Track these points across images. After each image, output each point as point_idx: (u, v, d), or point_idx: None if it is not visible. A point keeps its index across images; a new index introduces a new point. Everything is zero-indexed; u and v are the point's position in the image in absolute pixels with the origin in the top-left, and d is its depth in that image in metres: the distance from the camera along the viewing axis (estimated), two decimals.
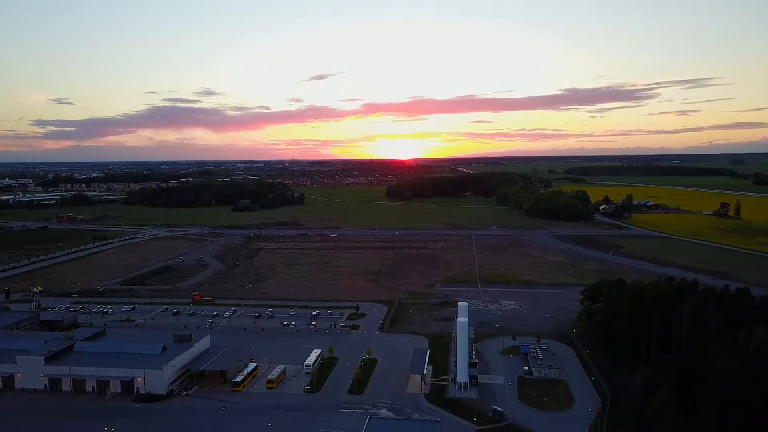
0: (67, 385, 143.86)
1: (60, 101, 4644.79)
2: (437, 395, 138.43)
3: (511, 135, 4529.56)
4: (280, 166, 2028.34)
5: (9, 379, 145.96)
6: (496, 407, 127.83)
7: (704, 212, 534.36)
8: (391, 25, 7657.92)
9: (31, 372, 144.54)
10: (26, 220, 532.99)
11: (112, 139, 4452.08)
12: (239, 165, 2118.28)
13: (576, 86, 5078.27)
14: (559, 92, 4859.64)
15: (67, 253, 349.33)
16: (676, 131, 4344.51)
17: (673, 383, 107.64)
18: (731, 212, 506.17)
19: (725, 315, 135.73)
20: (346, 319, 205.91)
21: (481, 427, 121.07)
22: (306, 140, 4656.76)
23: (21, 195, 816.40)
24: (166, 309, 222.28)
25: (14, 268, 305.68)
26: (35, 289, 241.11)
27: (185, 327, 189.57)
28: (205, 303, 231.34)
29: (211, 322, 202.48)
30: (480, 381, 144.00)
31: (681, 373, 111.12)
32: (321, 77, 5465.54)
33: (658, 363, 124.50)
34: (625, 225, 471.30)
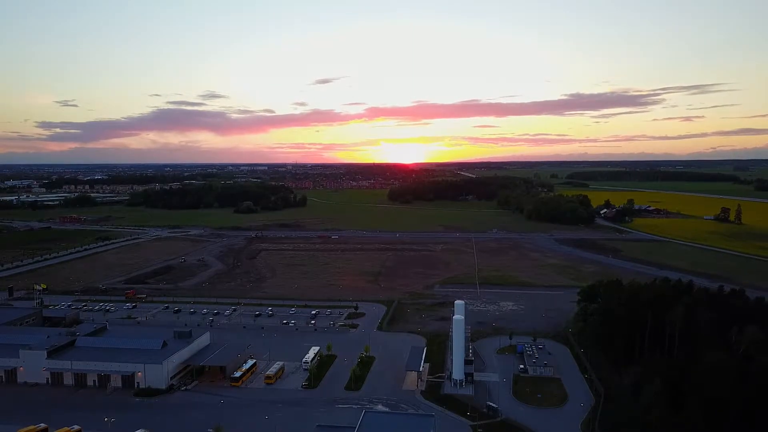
0: (68, 379, 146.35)
1: (65, 103, 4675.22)
2: (433, 392, 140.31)
3: (515, 140, 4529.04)
4: (283, 169, 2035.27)
5: (11, 373, 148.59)
6: (491, 403, 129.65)
7: (705, 217, 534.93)
8: (395, 30, 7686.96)
9: (33, 366, 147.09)
10: (30, 221, 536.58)
11: (116, 141, 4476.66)
12: (242, 168, 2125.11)
13: (580, 91, 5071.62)
14: (563, 97, 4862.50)
15: (70, 253, 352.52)
16: (680, 137, 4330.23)
17: (662, 380, 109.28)
18: (732, 217, 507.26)
19: (718, 315, 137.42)
20: (345, 318, 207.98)
21: (475, 423, 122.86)
22: (309, 144, 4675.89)
23: (25, 196, 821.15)
24: (167, 307, 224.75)
25: (18, 266, 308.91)
26: (38, 287, 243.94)
27: (185, 325, 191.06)
28: (138, 300, 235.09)
29: (212, 320, 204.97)
30: (475, 378, 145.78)
31: (670, 370, 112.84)
32: (325, 81, 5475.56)
33: (648, 361, 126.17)
34: (625, 229, 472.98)
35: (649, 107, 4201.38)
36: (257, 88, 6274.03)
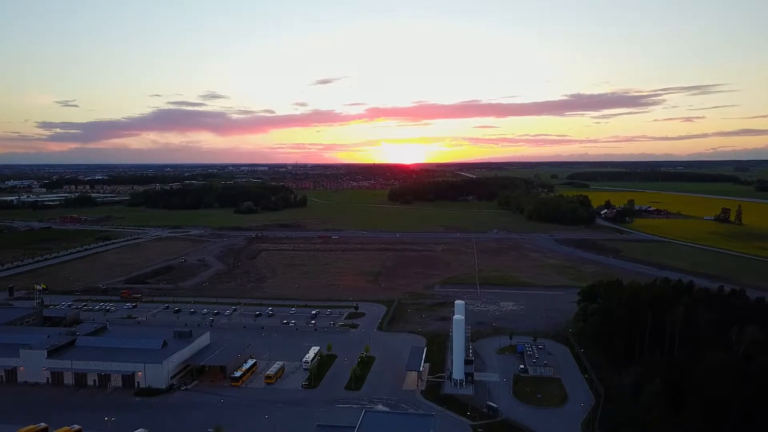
0: (68, 379, 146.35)
1: (65, 103, 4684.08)
2: (433, 392, 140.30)
3: (515, 140, 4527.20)
4: (284, 169, 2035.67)
5: (12, 373, 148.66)
6: (491, 403, 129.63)
7: (705, 217, 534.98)
8: (396, 30, 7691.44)
9: (33, 365, 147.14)
10: (30, 221, 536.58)
11: (116, 141, 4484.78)
12: (243, 168, 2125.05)
13: (581, 92, 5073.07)
14: (563, 98, 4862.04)
15: (70, 253, 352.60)
16: (680, 138, 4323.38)
17: (662, 380, 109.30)
18: (732, 217, 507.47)
19: (718, 315, 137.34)
20: (345, 318, 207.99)
21: (475, 423, 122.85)
22: (310, 144, 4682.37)
23: (26, 196, 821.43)
24: (167, 307, 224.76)
25: (18, 266, 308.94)
26: (38, 287, 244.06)
27: (186, 324, 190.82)
28: (134, 299, 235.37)
29: (212, 320, 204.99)
30: (476, 378, 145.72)
31: (670, 370, 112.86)
32: (326, 81, 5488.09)
33: (648, 361, 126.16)
34: (625, 229, 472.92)
35: (650, 108, 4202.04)
36: (258, 89, 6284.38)
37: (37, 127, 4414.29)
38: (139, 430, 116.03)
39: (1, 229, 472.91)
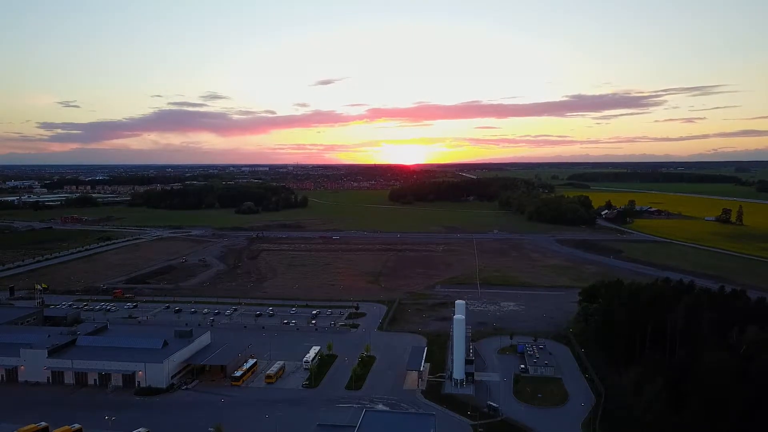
0: (69, 378, 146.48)
1: (66, 104, 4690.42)
2: (433, 391, 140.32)
3: (516, 141, 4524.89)
4: (285, 170, 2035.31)
5: (12, 372, 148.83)
6: (491, 403, 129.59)
7: (706, 218, 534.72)
8: (397, 31, 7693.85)
9: (34, 365, 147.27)
10: (31, 221, 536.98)
11: (117, 142, 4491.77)
12: (243, 169, 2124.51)
13: (582, 93, 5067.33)
14: (564, 99, 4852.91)
15: (71, 253, 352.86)
16: (681, 138, 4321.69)
17: (663, 379, 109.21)
18: (733, 218, 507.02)
19: (719, 315, 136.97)
20: (346, 318, 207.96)
21: (475, 422, 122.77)
22: (311, 145, 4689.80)
23: (27, 196, 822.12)
24: (168, 307, 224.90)
25: (19, 266, 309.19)
26: (39, 287, 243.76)
27: (186, 324, 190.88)
28: (127, 299, 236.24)
29: (213, 320, 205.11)
30: (476, 378, 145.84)
31: (670, 370, 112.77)
32: (327, 82, 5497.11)
33: (649, 361, 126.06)
34: (626, 230, 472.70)
35: (651, 108, 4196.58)
36: (258, 89, 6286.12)
37: (38, 127, 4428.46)
38: (140, 429, 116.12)
39: (2, 230, 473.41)
